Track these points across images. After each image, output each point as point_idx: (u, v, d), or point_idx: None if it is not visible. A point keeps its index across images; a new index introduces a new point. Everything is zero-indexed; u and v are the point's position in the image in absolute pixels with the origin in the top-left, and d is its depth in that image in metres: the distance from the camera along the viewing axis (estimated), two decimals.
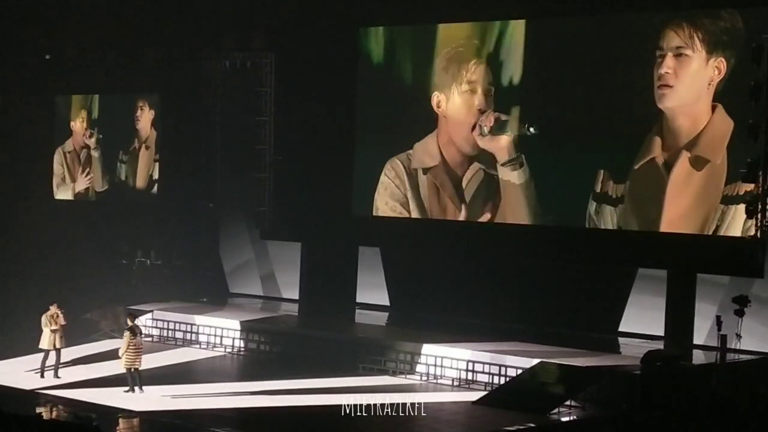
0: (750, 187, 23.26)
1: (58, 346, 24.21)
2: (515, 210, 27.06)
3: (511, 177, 27.04)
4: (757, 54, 23.11)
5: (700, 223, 24.45)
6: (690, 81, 24.59)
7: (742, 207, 23.46)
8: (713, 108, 24.27)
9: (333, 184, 30.08)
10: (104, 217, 35.10)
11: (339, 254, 30.54)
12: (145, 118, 34.95)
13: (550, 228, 26.67)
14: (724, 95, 24.12)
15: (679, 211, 24.79)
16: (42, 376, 24.10)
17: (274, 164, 31.22)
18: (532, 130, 26.52)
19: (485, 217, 27.60)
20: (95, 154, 36.18)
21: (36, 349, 24.44)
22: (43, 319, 24.19)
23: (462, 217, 27.99)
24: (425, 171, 28.64)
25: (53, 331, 24.00)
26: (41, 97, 36.69)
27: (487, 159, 27.54)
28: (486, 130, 27.34)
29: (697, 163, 24.50)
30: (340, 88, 29.98)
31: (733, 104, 23.93)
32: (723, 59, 24.13)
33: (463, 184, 27.96)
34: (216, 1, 31.72)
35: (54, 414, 20.74)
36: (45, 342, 24.10)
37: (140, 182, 35.04)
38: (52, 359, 24.20)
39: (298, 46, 30.68)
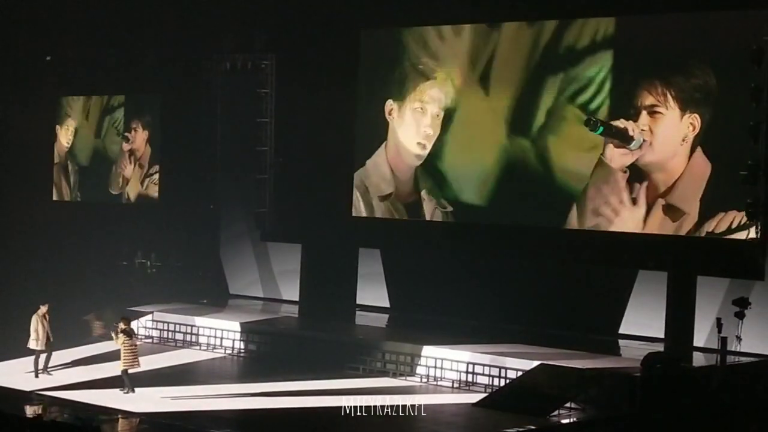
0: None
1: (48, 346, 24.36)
2: None
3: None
4: (757, 56, 23.12)
5: None
6: (664, 138, 24.66)
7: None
8: (689, 157, 24.35)
9: (333, 185, 30.06)
10: (104, 219, 35.10)
11: (339, 256, 30.53)
12: (139, 138, 34.99)
13: (551, 230, 26.65)
14: (703, 143, 24.20)
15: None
16: (36, 376, 24.16)
17: (274, 166, 31.20)
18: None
19: None
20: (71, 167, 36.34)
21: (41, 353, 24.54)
22: (34, 318, 24.25)
23: None
24: (382, 199, 28.96)
25: (44, 331, 24.13)
26: (42, 98, 36.70)
27: None
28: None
29: (670, 211, 24.61)
30: (340, 90, 29.96)
31: (715, 147, 24.03)
32: (697, 115, 24.20)
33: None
34: (217, 2, 31.72)
35: (54, 415, 20.71)
36: (36, 343, 24.20)
37: (132, 194, 35.16)
38: (43, 359, 24.35)
39: (299, 48, 30.65)
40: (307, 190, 30.50)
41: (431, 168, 28.14)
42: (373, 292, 30.50)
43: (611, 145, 25.32)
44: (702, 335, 25.02)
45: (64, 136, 36.80)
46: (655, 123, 24.76)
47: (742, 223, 23.63)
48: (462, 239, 28.05)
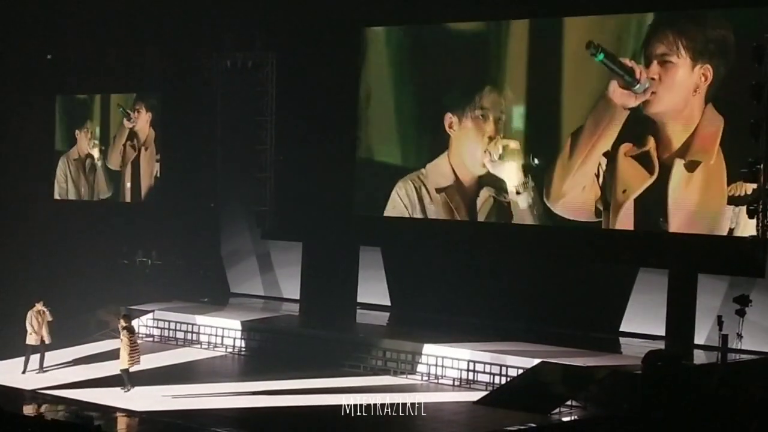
0: (752, 186, 23.28)
1: (46, 341, 24.45)
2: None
3: (519, 200, 27.16)
4: (758, 53, 23.10)
5: (709, 226, 24.50)
6: (675, 88, 24.65)
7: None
8: (703, 111, 24.34)
9: (334, 183, 30.07)
10: (105, 217, 35.12)
11: (340, 254, 30.53)
12: (142, 119, 35.00)
13: (552, 228, 26.68)
14: (714, 98, 24.18)
15: (684, 217, 24.83)
16: (23, 372, 24.27)
17: (275, 164, 31.22)
18: (536, 161, 26.52)
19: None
20: (99, 163, 36.24)
21: (35, 350, 24.56)
22: (29, 315, 24.30)
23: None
24: (439, 191, 28.68)
25: (39, 327, 24.24)
26: (42, 97, 36.71)
27: (497, 183, 27.64)
28: (495, 156, 27.41)
29: (691, 167, 24.58)
30: (341, 88, 29.96)
31: (726, 103, 23.98)
32: (709, 66, 24.19)
33: (477, 205, 27.99)
34: (217, 1, 31.72)
35: (55, 414, 20.72)
36: (31, 338, 24.33)
37: (144, 184, 35.07)
38: (37, 357, 24.46)
39: (300, 46, 30.67)
40: (307, 188, 30.51)
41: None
42: (373, 290, 30.49)
43: (615, 83, 25.25)
44: (703, 333, 25.03)
45: (84, 138, 36.77)
46: (666, 72, 24.71)
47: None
48: (463, 238, 28.06)
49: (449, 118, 28.29)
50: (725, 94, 24.06)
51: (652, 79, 24.86)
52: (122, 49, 34.20)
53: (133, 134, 35.28)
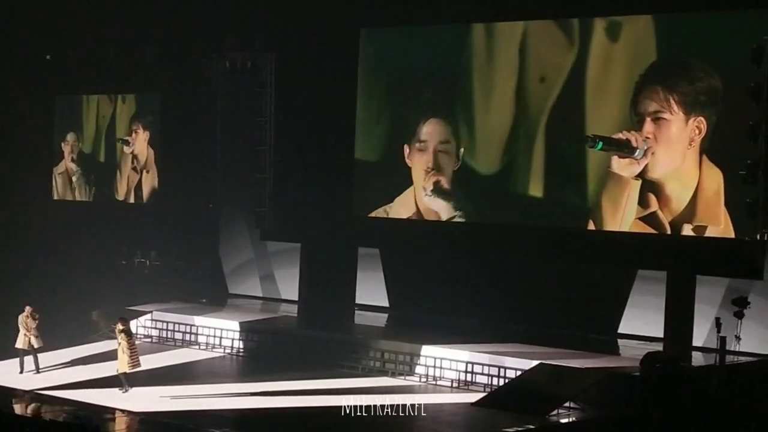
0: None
1: (35, 345, 24.49)
2: None
3: None
4: (757, 55, 23.11)
5: None
6: (671, 144, 24.49)
7: None
8: (699, 165, 24.13)
9: (333, 184, 30.06)
10: (104, 218, 35.12)
11: (339, 255, 30.52)
12: (140, 140, 35.04)
13: (550, 229, 26.65)
14: (708, 150, 24.02)
15: None
16: (21, 372, 24.34)
17: (274, 165, 31.21)
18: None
19: None
20: (74, 178, 36.41)
21: (26, 352, 24.60)
22: (19, 319, 24.47)
23: None
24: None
25: (26, 332, 24.33)
26: (42, 97, 36.72)
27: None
28: (428, 190, 27.74)
29: (699, 231, 24.23)
30: (340, 89, 29.96)
31: (721, 152, 23.87)
32: (702, 118, 24.05)
33: None
34: (217, 2, 31.72)
35: (54, 414, 20.72)
36: (20, 342, 24.48)
37: (145, 191, 35.22)
38: (30, 360, 24.53)
39: (299, 47, 30.65)
40: (306, 189, 30.49)
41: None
42: (372, 291, 30.49)
43: (615, 157, 25.15)
44: (701, 335, 25.01)
45: (68, 151, 36.84)
46: (660, 129, 24.56)
47: None
48: (461, 239, 28.05)
49: (406, 149, 28.50)
50: (719, 142, 23.91)
51: (647, 138, 24.69)
52: (122, 49, 34.21)
53: (133, 158, 35.33)
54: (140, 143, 35.06)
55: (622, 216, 25.18)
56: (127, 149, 35.33)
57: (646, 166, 24.76)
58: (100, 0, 33.91)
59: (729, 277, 24.57)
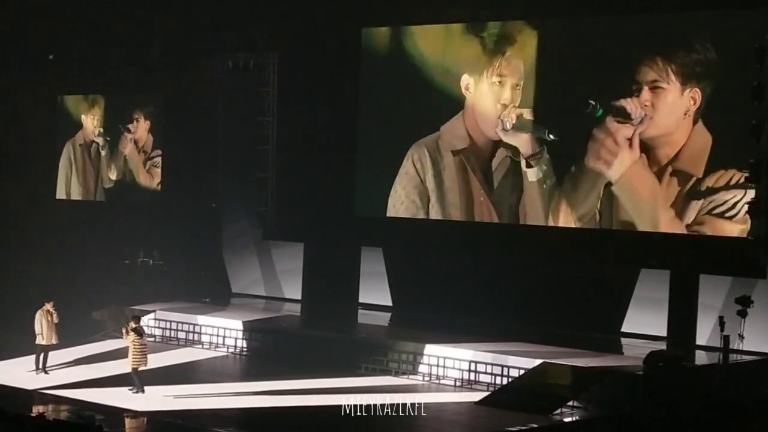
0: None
1: (54, 342, 24.45)
2: (533, 205, 26.99)
3: (529, 173, 26.98)
4: (760, 54, 23.15)
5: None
6: (667, 112, 24.86)
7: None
8: (691, 131, 24.62)
9: (336, 184, 30.08)
10: (107, 217, 35.14)
11: (341, 254, 30.53)
12: (141, 128, 35.08)
13: (553, 228, 26.66)
14: (703, 116, 24.45)
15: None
16: (37, 372, 24.28)
17: (276, 164, 31.22)
18: (551, 136, 26.44)
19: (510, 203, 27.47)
20: (103, 152, 36.31)
21: (43, 349, 24.54)
22: (38, 315, 24.34)
23: (488, 201, 27.81)
24: (455, 153, 28.25)
25: (49, 328, 24.24)
26: (45, 97, 36.74)
27: (512, 148, 27.37)
28: (508, 125, 27.26)
29: (680, 176, 24.70)
30: (343, 88, 29.97)
31: (713, 120, 24.26)
32: (698, 89, 24.43)
33: (492, 167, 27.70)
34: (219, 2, 31.73)
35: (57, 414, 20.73)
36: (40, 338, 24.33)
37: (142, 180, 35.22)
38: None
39: (301, 46, 30.67)
40: (309, 188, 30.51)
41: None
42: (375, 290, 30.49)
43: (611, 119, 25.48)
44: (704, 334, 25.02)
45: (90, 123, 36.83)
46: (657, 98, 24.94)
47: (740, 181, 23.77)
48: (464, 238, 28.05)
49: (466, 79, 28.08)
50: (712, 112, 24.34)
51: (645, 105, 25.09)
52: (124, 49, 34.22)
53: (135, 142, 35.36)
54: (141, 130, 35.09)
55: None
56: (128, 135, 35.34)
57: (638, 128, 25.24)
58: (102, 0, 33.93)
59: (732, 276, 24.56)
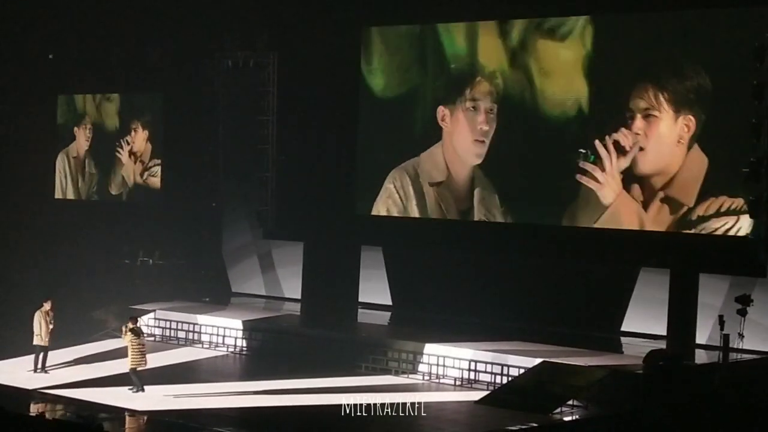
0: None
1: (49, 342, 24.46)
2: None
3: None
4: (760, 53, 23.13)
5: None
6: (660, 140, 24.94)
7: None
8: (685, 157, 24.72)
9: (336, 183, 30.09)
10: (106, 217, 35.14)
11: (341, 254, 30.54)
12: (139, 138, 35.10)
13: (552, 227, 26.68)
14: (699, 140, 24.51)
15: None
16: (35, 371, 24.26)
17: (276, 164, 31.22)
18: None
19: None
20: (92, 163, 36.42)
21: (42, 349, 24.54)
22: (36, 315, 24.30)
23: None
24: (432, 185, 28.66)
25: (48, 328, 24.19)
26: (43, 97, 36.74)
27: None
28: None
29: (671, 204, 24.85)
30: (342, 88, 29.97)
31: (710, 144, 24.33)
32: (692, 116, 24.42)
33: (474, 205, 28.06)
34: (219, 1, 31.72)
35: (57, 414, 20.73)
36: (39, 338, 24.28)
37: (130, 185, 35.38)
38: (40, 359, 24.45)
39: (301, 46, 30.67)
40: (309, 188, 30.53)
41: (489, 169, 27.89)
42: (375, 289, 30.50)
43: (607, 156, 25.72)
44: (704, 332, 25.03)
45: (83, 136, 36.87)
46: (650, 126, 25.02)
47: (731, 208, 23.91)
48: (464, 237, 28.05)
49: (441, 111, 28.30)
50: (708, 136, 24.38)
51: (637, 134, 25.11)
52: (124, 48, 34.21)
53: (131, 153, 35.42)
54: (139, 140, 35.12)
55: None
56: (125, 147, 35.38)
57: (634, 160, 25.23)
58: (102, 0, 33.96)
59: (732, 275, 24.56)
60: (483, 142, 27.70)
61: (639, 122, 25.12)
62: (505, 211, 27.46)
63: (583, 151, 25.81)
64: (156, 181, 34.72)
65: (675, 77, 24.69)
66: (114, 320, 29.43)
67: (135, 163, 35.24)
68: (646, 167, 25.14)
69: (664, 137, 24.90)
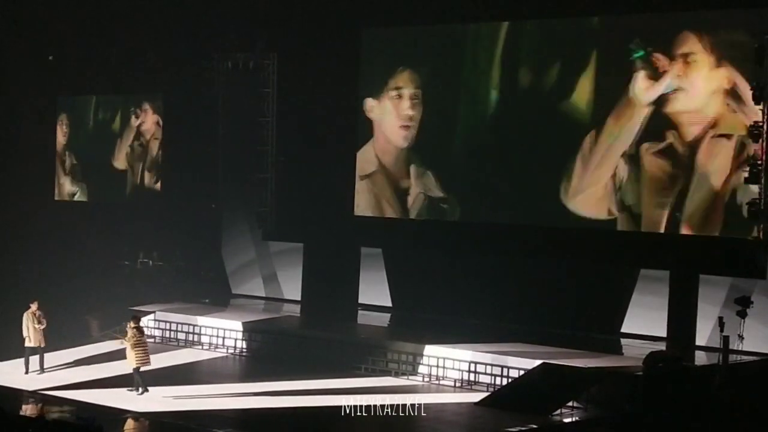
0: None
1: (42, 345, 24.40)
2: None
3: None
4: (760, 54, 23.14)
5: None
6: (697, 87, 24.78)
7: None
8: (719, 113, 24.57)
9: (335, 184, 30.08)
10: (106, 218, 35.13)
11: (341, 255, 30.54)
12: (149, 120, 35.08)
13: (553, 228, 26.68)
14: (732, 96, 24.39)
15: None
16: (26, 372, 24.25)
17: (276, 165, 31.22)
18: None
19: None
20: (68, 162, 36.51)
21: (33, 351, 24.57)
22: (25, 316, 24.31)
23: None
24: (362, 177, 29.55)
25: (36, 329, 24.18)
26: (44, 97, 36.73)
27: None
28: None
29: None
30: (342, 89, 29.97)
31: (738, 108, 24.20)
32: (732, 68, 24.27)
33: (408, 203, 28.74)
34: (218, 2, 31.73)
35: (56, 414, 20.73)
36: (31, 340, 24.30)
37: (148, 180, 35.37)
38: (36, 358, 24.44)
39: (301, 47, 30.67)
40: (308, 189, 30.53)
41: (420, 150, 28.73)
42: (374, 291, 30.49)
43: (641, 76, 25.46)
44: (704, 334, 25.03)
45: (60, 132, 36.93)
46: (689, 71, 24.85)
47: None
48: (464, 239, 28.06)
49: (369, 102, 29.18)
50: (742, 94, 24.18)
51: (679, 75, 24.97)
52: (124, 49, 34.21)
53: (139, 134, 35.38)
54: (149, 122, 35.10)
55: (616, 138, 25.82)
56: (135, 120, 35.35)
57: (666, 101, 25.05)
58: (102, 1, 33.92)
59: (732, 277, 24.57)
60: (408, 127, 28.61)
61: (680, 65, 24.90)
62: (442, 186, 28.28)
63: (634, 44, 25.51)
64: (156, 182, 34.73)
65: (720, 27, 24.47)
66: (114, 321, 29.41)
67: (144, 148, 35.24)
68: (677, 106, 24.89)
69: (702, 83, 24.66)
